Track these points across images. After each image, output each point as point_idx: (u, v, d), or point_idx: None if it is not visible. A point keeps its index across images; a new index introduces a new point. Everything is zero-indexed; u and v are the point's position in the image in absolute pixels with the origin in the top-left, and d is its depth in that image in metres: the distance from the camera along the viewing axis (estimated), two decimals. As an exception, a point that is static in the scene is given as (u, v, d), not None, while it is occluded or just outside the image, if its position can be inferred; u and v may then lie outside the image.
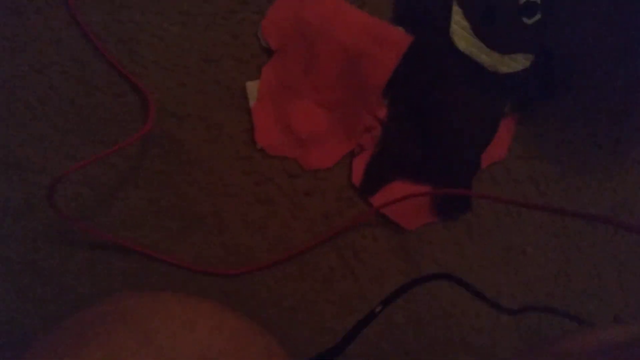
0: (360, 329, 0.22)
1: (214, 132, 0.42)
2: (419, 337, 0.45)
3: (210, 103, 0.42)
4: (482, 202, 0.44)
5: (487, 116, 0.41)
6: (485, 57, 0.39)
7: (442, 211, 0.43)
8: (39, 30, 0.40)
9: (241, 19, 0.41)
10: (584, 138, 0.45)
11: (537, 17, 0.39)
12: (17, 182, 0.41)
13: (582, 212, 0.28)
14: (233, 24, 0.41)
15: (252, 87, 0.41)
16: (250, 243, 0.43)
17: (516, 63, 0.39)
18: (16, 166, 0.41)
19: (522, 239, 0.45)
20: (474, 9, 0.38)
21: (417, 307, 0.45)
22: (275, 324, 0.43)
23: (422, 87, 0.40)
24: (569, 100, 0.45)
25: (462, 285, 0.31)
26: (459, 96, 0.40)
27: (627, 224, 0.24)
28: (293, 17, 0.41)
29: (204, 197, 0.42)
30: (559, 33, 0.41)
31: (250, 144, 0.42)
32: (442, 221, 0.44)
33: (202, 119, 0.42)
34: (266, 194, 0.43)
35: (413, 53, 0.40)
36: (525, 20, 0.39)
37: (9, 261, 0.42)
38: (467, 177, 0.42)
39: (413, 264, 0.44)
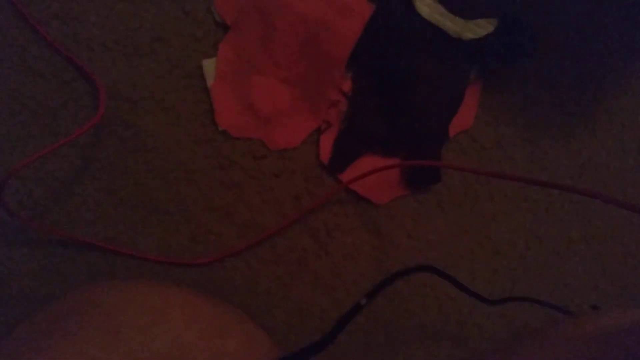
0: (345, 323, 0.21)
1: (171, 116, 0.40)
2: (402, 328, 0.45)
3: (165, 84, 0.39)
4: (451, 172, 0.44)
5: (453, 85, 0.40)
6: (449, 23, 0.38)
7: (412, 183, 0.42)
8: (-33, 14, 0.37)
9: (192, -7, 0.39)
10: (548, 102, 0.45)
11: (499, -21, 0.38)
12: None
13: (549, 181, 0.28)
14: (184, 0, 0.39)
15: (209, 66, 0.39)
16: (219, 229, 0.41)
17: (480, 28, 0.38)
18: (-44, 164, 0.38)
19: (492, 206, 0.45)
20: (435, -26, 0.37)
21: (401, 297, 0.44)
22: (252, 310, 0.42)
23: (386, 57, 0.39)
24: (533, 66, 0.44)
25: (444, 277, 0.30)
26: (424, 65, 0.39)
27: (586, 191, 0.24)
28: (247, -11, 0.38)
29: (166, 185, 0.40)
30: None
31: (211, 126, 0.40)
32: (413, 194, 0.43)
33: (157, 102, 0.39)
34: (231, 178, 0.41)
35: (375, 22, 0.38)
36: (487, -17, 0.38)
37: (-41, 267, 0.39)
38: (436, 147, 0.41)
39: (385, 238, 0.44)
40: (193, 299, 0.27)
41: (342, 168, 0.41)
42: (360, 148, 0.41)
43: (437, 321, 0.44)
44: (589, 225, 0.47)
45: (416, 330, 0.44)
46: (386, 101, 0.40)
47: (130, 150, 0.39)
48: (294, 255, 0.43)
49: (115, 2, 0.38)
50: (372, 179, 0.42)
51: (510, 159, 0.45)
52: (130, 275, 0.41)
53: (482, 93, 0.43)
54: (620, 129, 0.46)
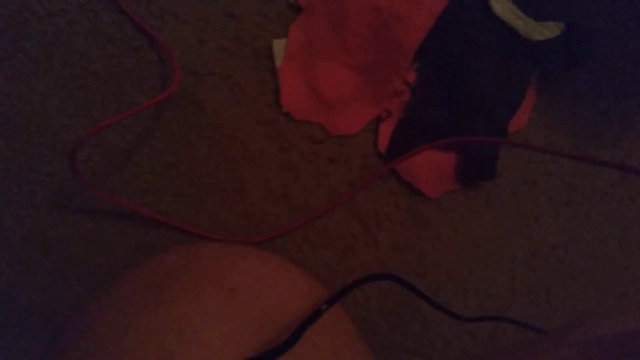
0: (305, 328, 0.22)
1: (236, 93, 0.40)
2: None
3: (233, 62, 0.39)
4: (501, 171, 0.45)
5: (516, 83, 0.41)
6: (520, 22, 0.38)
7: (466, 178, 0.43)
8: (42, -27, 0.36)
9: (267, -28, 0.39)
10: (596, 111, 0.46)
11: (572, -16, 0.38)
12: (19, 143, 0.37)
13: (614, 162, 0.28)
14: (259, -23, 0.39)
15: (279, 46, 0.39)
16: (273, 210, 0.41)
17: (548, 31, 0.39)
18: (16, 126, 0.37)
19: (535, 208, 0.46)
20: (512, -27, 0.37)
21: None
22: (296, 293, 0.42)
23: (454, 52, 0.39)
24: (584, 73, 0.45)
25: (407, 287, 0.30)
26: (490, 62, 0.40)
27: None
28: (323, -27, 0.38)
29: (225, 162, 0.40)
30: (588, 5, 0.41)
31: (275, 107, 0.40)
32: (463, 189, 0.44)
33: (224, 78, 0.39)
34: (289, 160, 0.41)
35: (447, 16, 0.39)
36: (560, -13, 0.38)
37: (9, 230, 0.38)
38: (494, 145, 0.42)
39: (433, 232, 0.44)
40: (289, 265, 0.27)
41: (400, 157, 0.41)
42: (419, 139, 0.41)
43: (398, 332, 0.44)
44: (625, 233, 0.48)
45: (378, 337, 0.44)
46: (449, 95, 0.40)
47: (192, 125, 0.39)
48: (343, 242, 0.43)
49: (190, -26, 0.38)
50: (427, 172, 0.42)
51: (555, 162, 0.46)
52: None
53: (536, 95, 0.44)
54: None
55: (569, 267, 0.47)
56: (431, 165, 0.42)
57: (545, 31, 0.39)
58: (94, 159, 0.38)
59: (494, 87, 0.40)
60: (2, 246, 0.39)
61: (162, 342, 0.21)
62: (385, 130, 0.41)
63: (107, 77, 0.38)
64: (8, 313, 0.40)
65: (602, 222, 0.47)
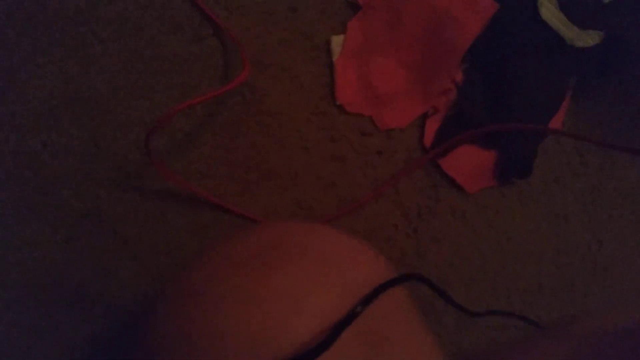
0: (341, 330, 0.22)
1: (294, 84, 0.41)
2: (468, 295, 0.47)
3: (293, 54, 0.41)
4: (533, 171, 0.47)
5: (556, 87, 0.43)
6: (566, 30, 0.41)
7: (504, 174, 0.45)
8: (117, -40, 0.38)
9: (329, -30, 0.41)
10: (625, 119, 0.49)
11: (613, -3, 0.41)
12: (85, 120, 0.39)
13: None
14: (321, -25, 0.41)
15: (337, 42, 0.41)
16: (321, 198, 0.43)
17: (590, 39, 0.42)
18: (84, 104, 0.38)
19: (564, 206, 0.48)
20: (561, -17, 0.40)
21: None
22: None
23: (501, 55, 0.42)
24: (616, 82, 0.48)
25: (434, 290, 0.31)
26: (534, 66, 0.42)
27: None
28: (383, -27, 0.41)
29: (280, 150, 0.42)
30: (628, 17, 0.44)
31: (329, 99, 0.42)
32: (499, 187, 0.46)
33: (284, 69, 0.41)
34: (339, 150, 0.43)
35: (497, 21, 0.41)
36: (603, -1, 0.41)
37: (67, 206, 0.39)
38: (534, 143, 0.44)
39: (469, 226, 0.46)
40: (365, 242, 0.29)
41: (444, 153, 0.44)
42: (463, 136, 0.43)
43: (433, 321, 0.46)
44: (645, 234, 0.51)
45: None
46: (494, 95, 0.43)
47: (252, 113, 0.41)
48: (385, 232, 0.45)
49: (256, -31, 0.39)
50: (467, 168, 0.44)
51: (584, 165, 0.48)
52: (233, 230, 0.42)
53: (570, 100, 0.47)
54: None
55: (592, 264, 0.50)
56: (472, 162, 0.44)
57: (588, 39, 0.42)
58: (158, 140, 0.39)
59: (537, 90, 0.42)
60: (59, 222, 0.40)
61: (268, 309, 0.22)
62: (431, 126, 0.43)
63: (173, 62, 0.39)
64: (61, 289, 0.40)
65: (624, 222, 0.50)
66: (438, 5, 0.41)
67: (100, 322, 0.41)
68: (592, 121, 0.48)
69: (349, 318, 0.22)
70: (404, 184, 0.44)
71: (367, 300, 0.23)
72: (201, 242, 0.41)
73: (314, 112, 0.42)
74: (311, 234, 0.27)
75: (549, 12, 0.40)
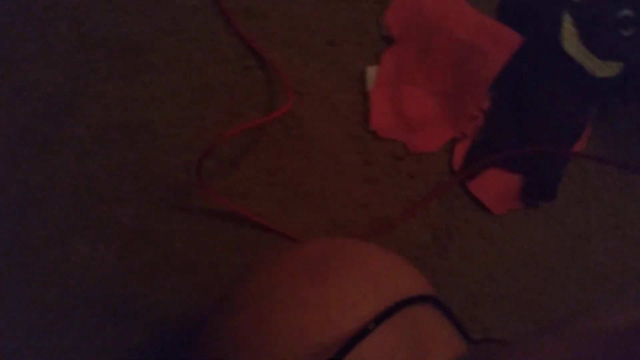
0: (353, 345, 0.24)
1: (331, 112, 0.44)
2: (495, 314, 0.49)
3: (330, 84, 0.44)
4: (558, 194, 0.49)
5: (579, 115, 0.45)
6: (588, 62, 0.43)
7: (530, 197, 0.47)
8: (173, -2, 0.41)
9: (364, 7, 0.44)
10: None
11: (632, 30, 0.44)
12: (137, 144, 0.42)
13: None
14: (357, 11, 0.44)
15: (372, 72, 0.44)
16: (355, 218, 0.45)
17: (610, 69, 0.44)
18: (136, 128, 0.41)
19: (587, 228, 0.50)
20: (582, 19, 0.43)
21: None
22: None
23: (526, 84, 0.44)
24: (634, 109, 0.50)
25: (443, 311, 0.32)
26: (558, 95, 0.44)
27: None
28: (414, 10, 0.44)
29: (317, 172, 0.44)
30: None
31: (363, 125, 0.45)
32: (525, 209, 0.48)
33: (322, 98, 0.44)
34: (372, 173, 0.45)
35: (523, 52, 0.44)
36: (622, 32, 0.44)
37: (120, 224, 0.42)
38: (559, 167, 0.46)
39: (496, 246, 0.48)
40: (406, 260, 0.31)
41: (472, 176, 0.46)
42: (490, 160, 0.46)
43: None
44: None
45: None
46: (519, 122, 0.45)
47: (292, 138, 0.43)
48: (415, 251, 0.47)
49: (300, 6, 0.43)
50: (494, 190, 0.46)
51: (606, 189, 0.50)
52: (273, 248, 0.44)
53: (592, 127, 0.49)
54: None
55: (612, 285, 0.51)
56: (498, 185, 0.46)
57: (607, 69, 0.44)
58: (204, 163, 0.42)
59: (560, 117, 0.45)
60: (112, 239, 0.42)
61: (326, 314, 0.25)
62: (460, 150, 0.46)
63: (220, 91, 0.42)
64: (112, 302, 0.43)
65: (646, 245, 0.52)
66: (465, 38, 0.43)
67: (145, 335, 0.43)
68: (613, 146, 0.50)
69: (362, 334, 0.23)
70: (434, 205, 0.46)
71: (381, 318, 0.24)
72: (243, 258, 0.44)
73: (349, 138, 0.45)
74: (355, 249, 0.30)
75: (571, 44, 0.43)
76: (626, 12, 0.44)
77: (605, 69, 0.44)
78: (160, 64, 0.41)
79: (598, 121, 0.49)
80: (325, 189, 0.45)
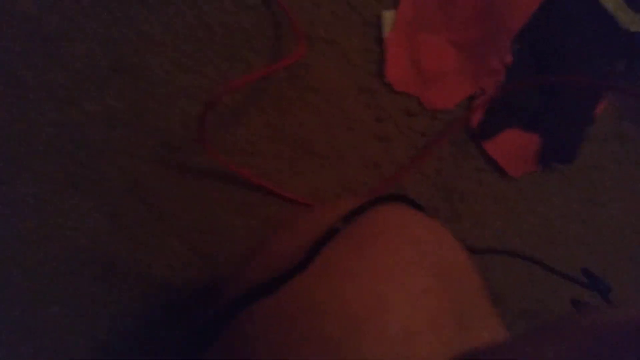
0: (320, 247, 0.23)
1: (341, 60, 0.40)
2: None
3: (342, 28, 0.40)
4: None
5: (606, 72, 0.42)
6: (623, 14, 0.40)
7: (548, 159, 0.44)
8: None
9: (382, -58, 0.39)
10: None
11: (670, -20, 0.40)
12: (129, 92, 0.37)
13: None
14: (374, -54, 0.39)
15: (388, 17, 0.40)
16: (365, 179, 0.42)
17: (644, 23, 0.41)
18: (128, 74, 0.37)
19: (603, 193, 0.48)
20: (620, -37, 0.39)
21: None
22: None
23: (554, 38, 0.41)
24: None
25: (415, 207, 0.32)
26: (586, 50, 0.41)
27: None
28: (437, -53, 0.39)
29: (326, 128, 0.41)
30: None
31: (377, 77, 0.41)
32: (541, 172, 0.46)
33: (332, 44, 0.40)
34: (385, 131, 0.42)
35: (552, 2, 0.40)
36: (660, -19, 0.40)
37: (112, 181, 0.38)
38: (581, 129, 0.43)
39: (509, 210, 0.46)
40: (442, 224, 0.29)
41: (489, 136, 0.43)
42: (510, 119, 0.43)
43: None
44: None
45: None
46: (542, 78, 0.42)
47: (299, 89, 0.39)
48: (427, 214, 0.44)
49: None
50: (512, 152, 0.43)
51: (626, 151, 0.48)
52: (274, 214, 0.41)
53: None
54: None
55: (625, 252, 0.50)
56: (516, 146, 0.44)
57: (641, 23, 0.41)
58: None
59: (586, 73, 0.42)
60: (103, 198, 0.38)
61: (374, 285, 0.22)
62: (478, 109, 0.42)
63: (221, 33, 0.38)
64: (106, 264, 0.39)
65: (659, 211, 0.50)
66: (492, -17, 0.39)
67: (142, 298, 0.40)
68: (633, 105, 0.47)
69: (329, 234, 0.24)
70: (447, 166, 0.43)
71: (348, 218, 0.25)
72: (245, 220, 0.40)
73: (361, 90, 0.41)
74: (401, 214, 0.27)
75: (607, -7, 0.39)
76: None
77: (639, 23, 0.41)
78: (153, 3, 0.36)
79: (625, 78, 0.46)
80: (334, 146, 0.41)
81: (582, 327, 0.17)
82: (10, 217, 0.37)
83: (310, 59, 0.39)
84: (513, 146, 0.43)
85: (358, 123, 0.41)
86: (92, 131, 0.37)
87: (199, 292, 0.41)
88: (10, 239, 0.38)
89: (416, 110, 0.42)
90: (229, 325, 0.23)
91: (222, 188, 0.39)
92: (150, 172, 0.38)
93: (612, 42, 0.41)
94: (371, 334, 0.20)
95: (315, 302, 0.21)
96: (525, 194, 0.46)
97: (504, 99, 0.42)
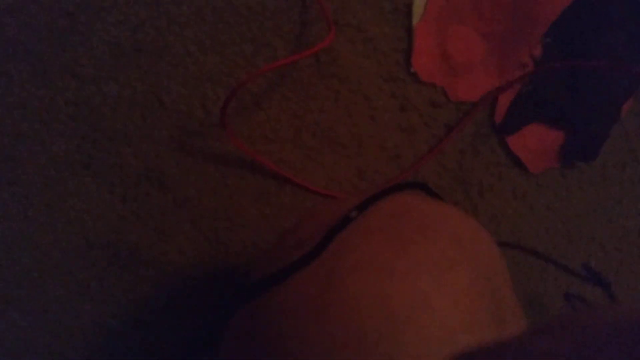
0: (334, 235, 0.23)
1: (368, 48, 0.39)
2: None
3: (371, 14, 0.38)
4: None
5: (636, 69, 0.41)
6: (659, 9, 0.39)
7: (570, 156, 0.44)
8: None
9: None
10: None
11: None
12: (149, 73, 0.36)
13: None
14: None
15: (419, 5, 0.38)
16: (385, 170, 0.41)
17: (679, 20, 0.40)
18: (149, 55, 0.36)
19: (621, 191, 0.48)
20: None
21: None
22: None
23: (586, 32, 0.40)
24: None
25: (434, 196, 0.32)
26: (618, 47, 0.40)
27: None
28: None
29: (347, 117, 0.40)
30: None
31: (403, 66, 0.40)
32: (561, 168, 0.45)
33: (360, 30, 0.38)
34: (408, 121, 0.41)
35: (587, -5, 0.39)
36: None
37: (127, 165, 0.37)
38: (607, 126, 0.43)
39: (528, 207, 0.45)
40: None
41: (513, 130, 0.42)
42: (535, 114, 0.42)
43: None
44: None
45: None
46: (571, 73, 0.41)
47: (323, 76, 0.38)
48: (444, 208, 0.44)
49: None
50: (534, 147, 0.43)
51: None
52: (291, 202, 0.40)
53: (639, 83, 0.45)
54: None
55: (638, 251, 0.50)
56: (539, 141, 0.43)
57: (676, 20, 0.40)
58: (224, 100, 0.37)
59: (616, 70, 0.41)
60: (118, 181, 0.37)
61: (416, 284, 0.21)
62: (504, 102, 0.42)
63: (247, 15, 0.36)
64: (117, 250, 0.39)
65: (676, 211, 0.50)
66: (528, -27, 0.38)
67: (153, 285, 0.39)
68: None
69: (343, 223, 0.24)
70: (468, 159, 0.43)
71: (362, 206, 0.25)
72: (261, 209, 0.40)
73: (385, 78, 0.40)
74: (440, 210, 0.26)
75: (644, -12, 0.38)
76: None
77: (673, 20, 0.40)
78: (177, -19, 0.35)
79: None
80: (356, 135, 0.40)
81: (582, 327, 0.17)
82: (20, 197, 0.37)
83: (336, 45, 0.38)
84: (536, 142, 0.43)
85: (381, 112, 0.40)
86: (111, 112, 0.36)
87: (210, 278, 0.41)
88: (19, 220, 0.37)
89: (441, 101, 0.41)
90: (244, 312, 0.23)
91: (239, 174, 0.39)
92: (168, 156, 0.37)
93: (645, 40, 0.41)
94: (412, 332, 0.20)
95: (333, 292, 0.21)
96: (543, 191, 0.45)
97: (530, 92, 0.41)
